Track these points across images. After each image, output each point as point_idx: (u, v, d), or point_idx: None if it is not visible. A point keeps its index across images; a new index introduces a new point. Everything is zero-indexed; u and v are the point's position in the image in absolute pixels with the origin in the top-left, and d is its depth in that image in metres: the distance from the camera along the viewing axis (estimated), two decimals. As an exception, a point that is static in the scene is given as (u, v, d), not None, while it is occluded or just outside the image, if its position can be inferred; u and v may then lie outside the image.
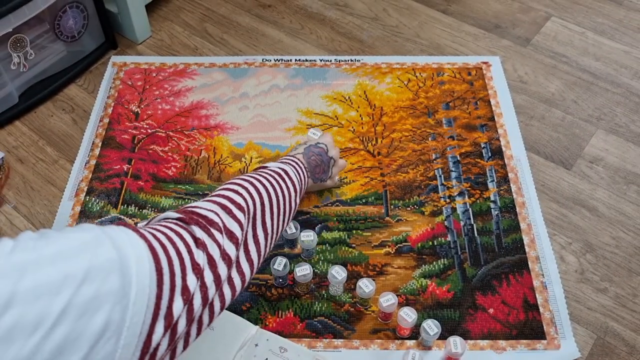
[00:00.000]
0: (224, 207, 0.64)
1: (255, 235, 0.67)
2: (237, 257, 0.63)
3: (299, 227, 0.95)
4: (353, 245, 0.97)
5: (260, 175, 0.75)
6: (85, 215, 1.02)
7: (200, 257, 0.56)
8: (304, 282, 0.90)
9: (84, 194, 1.04)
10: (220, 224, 0.61)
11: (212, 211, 0.62)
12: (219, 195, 0.67)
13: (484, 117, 1.15)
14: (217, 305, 0.59)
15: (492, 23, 1.35)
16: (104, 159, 1.09)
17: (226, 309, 0.86)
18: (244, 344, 0.83)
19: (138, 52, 1.30)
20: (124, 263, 0.46)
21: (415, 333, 0.87)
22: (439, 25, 1.35)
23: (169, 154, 1.10)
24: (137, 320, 0.46)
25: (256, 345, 0.83)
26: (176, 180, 1.06)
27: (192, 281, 0.53)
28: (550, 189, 1.05)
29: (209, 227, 0.59)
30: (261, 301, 0.91)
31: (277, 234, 0.73)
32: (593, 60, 1.27)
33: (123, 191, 1.05)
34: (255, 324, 0.86)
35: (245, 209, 0.66)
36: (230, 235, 0.62)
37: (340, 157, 1.04)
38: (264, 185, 0.72)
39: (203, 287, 0.55)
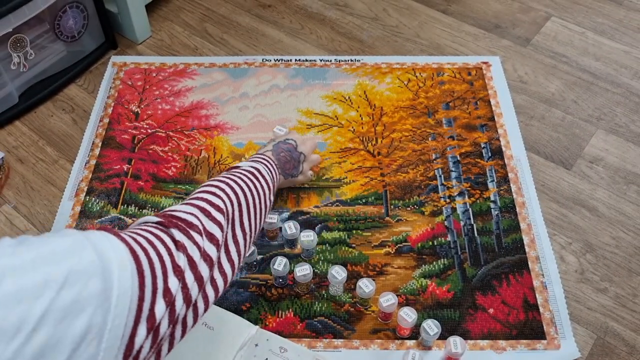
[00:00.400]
0: (203, 210, 0.65)
1: (234, 236, 0.68)
2: (219, 258, 0.64)
3: (299, 227, 0.95)
4: (353, 245, 0.97)
5: (235, 175, 0.76)
6: (85, 215, 1.02)
7: (181, 259, 0.56)
8: (304, 282, 0.90)
9: (84, 194, 1.04)
10: (200, 227, 0.62)
11: (191, 214, 0.63)
12: (197, 199, 0.68)
13: (484, 117, 1.15)
14: (200, 306, 0.59)
15: (492, 23, 1.35)
16: (104, 159, 1.09)
17: (226, 309, 0.87)
18: (244, 344, 0.83)
19: (138, 52, 1.30)
20: (106, 267, 0.46)
21: (415, 333, 0.87)
22: (439, 25, 1.35)
23: (169, 154, 1.10)
24: (119, 323, 0.46)
25: (256, 345, 0.83)
26: (176, 180, 1.06)
27: (173, 283, 0.54)
28: (550, 189, 1.05)
29: (188, 229, 0.60)
30: (261, 301, 0.91)
31: (254, 232, 0.74)
32: (593, 60, 1.27)
33: (123, 191, 1.05)
34: (255, 324, 0.86)
35: (224, 210, 0.67)
36: (211, 237, 0.62)
37: (315, 152, 1.04)
38: (239, 186, 0.73)
39: (185, 289, 0.55)
